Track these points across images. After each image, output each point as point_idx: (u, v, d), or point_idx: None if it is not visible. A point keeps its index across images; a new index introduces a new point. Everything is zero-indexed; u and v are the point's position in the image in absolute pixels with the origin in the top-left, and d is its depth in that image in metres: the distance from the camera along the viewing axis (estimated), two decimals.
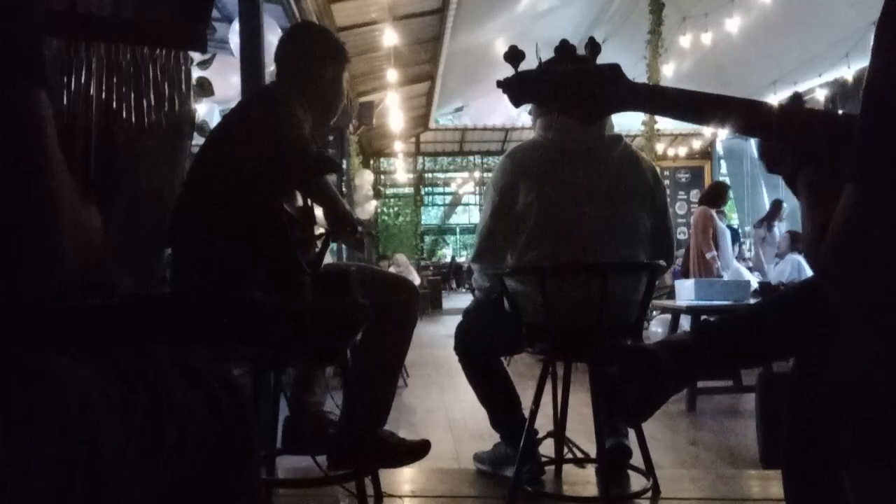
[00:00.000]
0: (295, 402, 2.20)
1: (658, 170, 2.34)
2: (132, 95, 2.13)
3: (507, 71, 1.00)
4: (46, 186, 0.59)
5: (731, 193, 8.24)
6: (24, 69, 0.59)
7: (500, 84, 0.98)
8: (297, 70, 2.02)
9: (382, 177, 16.39)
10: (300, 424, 2.13)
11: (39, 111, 0.59)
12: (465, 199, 23.49)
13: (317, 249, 1.84)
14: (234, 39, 4.15)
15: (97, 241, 0.67)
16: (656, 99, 0.99)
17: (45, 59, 0.65)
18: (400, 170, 16.31)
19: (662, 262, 2.14)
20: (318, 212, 1.89)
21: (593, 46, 1.05)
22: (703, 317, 3.98)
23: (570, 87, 0.94)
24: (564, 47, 1.01)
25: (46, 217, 0.59)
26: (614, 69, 0.94)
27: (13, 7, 0.59)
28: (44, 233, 0.59)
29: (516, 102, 0.98)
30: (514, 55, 0.99)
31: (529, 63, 1.01)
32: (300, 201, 1.83)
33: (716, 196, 6.08)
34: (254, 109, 1.98)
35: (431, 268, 18.10)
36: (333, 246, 1.98)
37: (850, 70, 8.23)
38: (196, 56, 2.54)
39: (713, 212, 5.91)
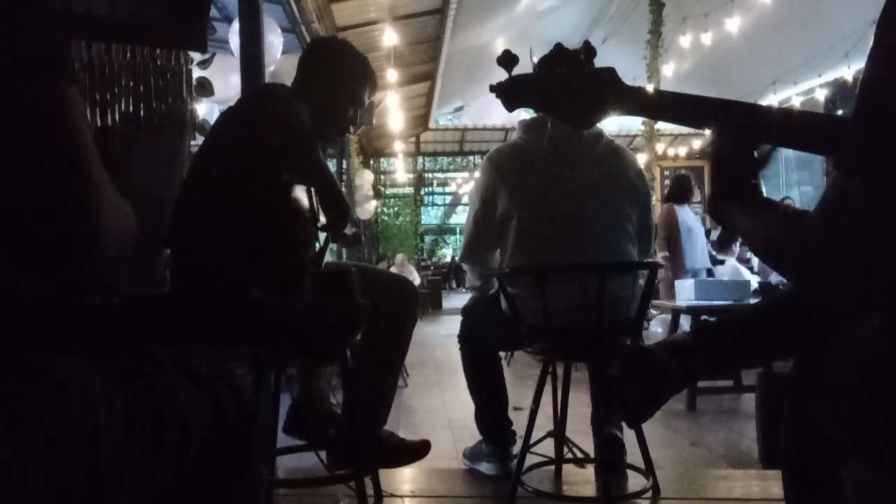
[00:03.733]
0: (303, 386, 2.19)
1: (638, 160, 2.30)
2: (131, 95, 2.14)
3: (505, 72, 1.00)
4: (87, 179, 0.60)
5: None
6: (53, 67, 0.59)
7: (493, 88, 0.97)
8: (298, 72, 2.03)
9: (382, 177, 16.39)
10: (305, 410, 2.13)
11: (73, 107, 0.60)
12: (464, 199, 23.48)
13: (317, 248, 1.84)
14: (234, 39, 4.15)
15: (135, 233, 0.67)
16: (653, 103, 0.98)
17: (71, 56, 0.66)
18: (400, 170, 16.31)
19: (661, 262, 2.14)
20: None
21: (588, 50, 1.04)
22: (703, 317, 3.98)
23: (564, 91, 0.93)
24: (559, 51, 1.00)
25: (88, 208, 0.60)
26: (610, 72, 0.93)
27: (39, 6, 0.59)
28: (85, 224, 0.60)
29: (510, 107, 0.97)
30: (507, 59, 0.97)
31: (524, 67, 1.00)
32: (302, 199, 1.83)
33: (679, 191, 5.56)
34: (249, 103, 1.98)
35: (431, 268, 18.11)
36: (333, 245, 1.95)
37: (850, 70, 8.23)
38: (196, 56, 2.54)
39: (678, 208, 5.41)
